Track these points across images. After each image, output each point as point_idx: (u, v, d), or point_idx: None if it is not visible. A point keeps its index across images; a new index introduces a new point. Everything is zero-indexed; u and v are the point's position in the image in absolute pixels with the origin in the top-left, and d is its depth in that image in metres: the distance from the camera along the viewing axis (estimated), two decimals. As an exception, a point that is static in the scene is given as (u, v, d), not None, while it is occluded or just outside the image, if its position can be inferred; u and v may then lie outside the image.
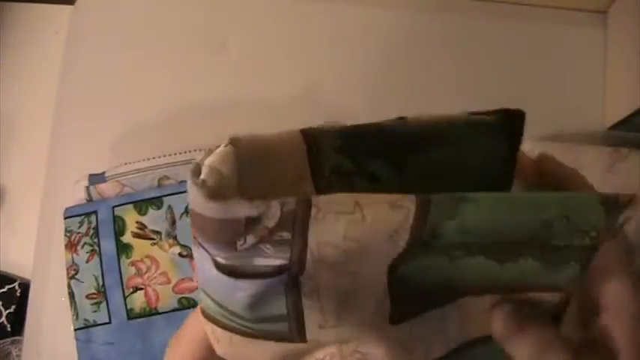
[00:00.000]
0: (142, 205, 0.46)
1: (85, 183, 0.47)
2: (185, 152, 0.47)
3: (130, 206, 0.46)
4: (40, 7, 0.81)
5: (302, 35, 0.52)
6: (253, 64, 0.52)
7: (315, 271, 0.19)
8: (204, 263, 0.19)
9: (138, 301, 0.45)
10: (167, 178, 0.46)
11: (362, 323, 0.21)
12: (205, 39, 0.53)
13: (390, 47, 0.52)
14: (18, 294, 0.74)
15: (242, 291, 0.19)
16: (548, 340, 0.21)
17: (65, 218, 0.47)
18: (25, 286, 0.74)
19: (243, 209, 0.17)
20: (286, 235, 0.18)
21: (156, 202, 0.45)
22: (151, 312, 0.44)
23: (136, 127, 0.51)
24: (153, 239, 0.45)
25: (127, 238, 0.45)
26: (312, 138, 0.21)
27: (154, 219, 0.45)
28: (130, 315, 0.45)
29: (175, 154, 0.47)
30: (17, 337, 0.73)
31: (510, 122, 0.23)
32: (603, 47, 0.50)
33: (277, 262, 0.18)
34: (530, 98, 0.49)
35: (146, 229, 0.45)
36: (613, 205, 0.19)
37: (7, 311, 0.74)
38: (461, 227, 0.18)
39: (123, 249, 0.45)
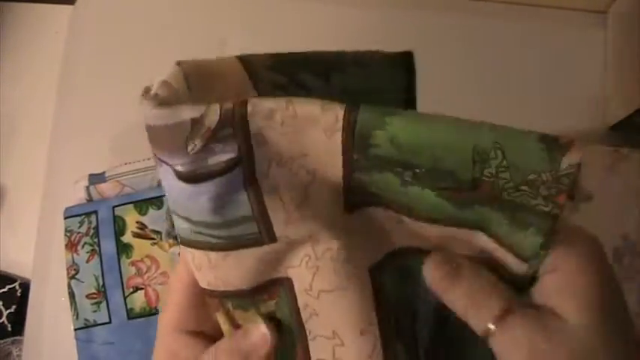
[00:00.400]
0: (142, 205, 0.46)
1: (85, 183, 0.47)
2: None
3: (131, 206, 0.46)
4: (40, 7, 0.81)
5: (302, 35, 0.52)
6: (253, 64, 0.52)
7: (268, 167, 0.21)
8: (167, 178, 0.21)
9: (138, 301, 0.45)
10: (167, 178, 0.46)
11: (321, 213, 0.22)
12: (205, 38, 0.53)
13: (389, 47, 0.51)
14: (18, 294, 0.73)
15: (203, 195, 0.21)
16: (483, 290, 0.21)
17: (65, 218, 0.47)
18: (26, 286, 0.74)
19: (186, 112, 0.19)
20: (228, 130, 0.19)
21: (156, 202, 0.45)
22: (151, 312, 0.44)
23: (136, 127, 0.51)
24: (153, 239, 0.45)
25: (127, 238, 0.45)
26: (246, 60, 0.24)
27: (154, 219, 0.45)
28: (130, 315, 0.45)
29: (175, 154, 0.47)
30: (18, 337, 0.72)
31: (406, 58, 0.28)
32: (603, 47, 0.50)
33: (228, 156, 0.20)
34: (530, 98, 0.49)
35: (146, 229, 0.45)
36: (553, 144, 0.18)
37: (8, 311, 0.74)
38: (392, 139, 0.19)
39: (123, 249, 0.45)
